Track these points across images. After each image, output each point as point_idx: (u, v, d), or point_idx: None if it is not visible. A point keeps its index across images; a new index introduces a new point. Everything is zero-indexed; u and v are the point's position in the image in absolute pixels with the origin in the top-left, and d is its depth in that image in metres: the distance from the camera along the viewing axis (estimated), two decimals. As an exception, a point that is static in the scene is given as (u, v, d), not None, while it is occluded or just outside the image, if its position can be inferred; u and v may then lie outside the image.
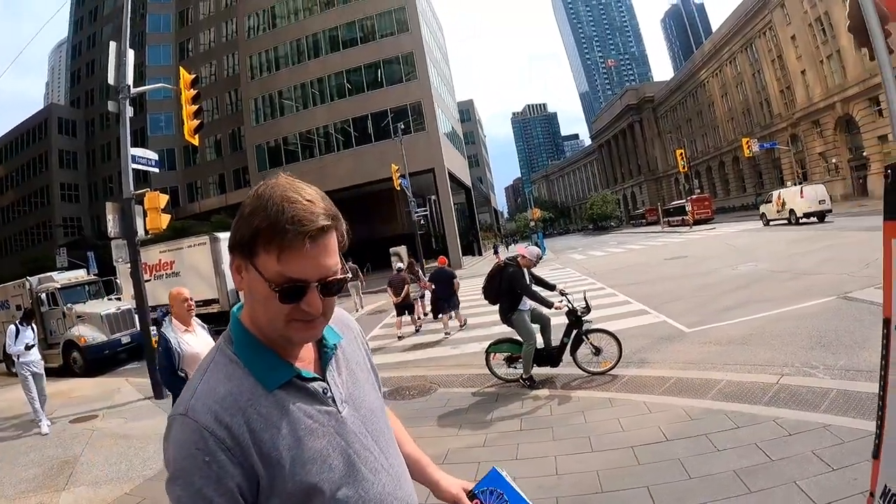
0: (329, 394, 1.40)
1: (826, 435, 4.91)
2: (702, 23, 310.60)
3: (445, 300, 14.76)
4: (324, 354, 1.45)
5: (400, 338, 15.18)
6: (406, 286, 15.59)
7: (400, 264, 19.45)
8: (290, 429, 1.29)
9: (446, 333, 14.56)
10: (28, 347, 10.23)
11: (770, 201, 39.30)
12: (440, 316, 15.15)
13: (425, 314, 17.17)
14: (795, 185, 42.25)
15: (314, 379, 1.39)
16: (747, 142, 46.71)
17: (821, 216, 33.84)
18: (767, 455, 4.72)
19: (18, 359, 10.19)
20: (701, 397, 6.56)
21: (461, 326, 14.94)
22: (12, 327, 10.48)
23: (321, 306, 1.30)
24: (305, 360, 1.42)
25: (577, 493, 4.71)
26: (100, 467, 7.48)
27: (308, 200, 1.25)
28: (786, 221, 36.14)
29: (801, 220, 34.29)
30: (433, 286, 15.12)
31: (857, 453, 4.34)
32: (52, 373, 15.86)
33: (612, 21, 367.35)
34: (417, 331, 15.78)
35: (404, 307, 15.77)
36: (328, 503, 1.30)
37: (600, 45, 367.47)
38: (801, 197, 34.65)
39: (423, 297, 17.01)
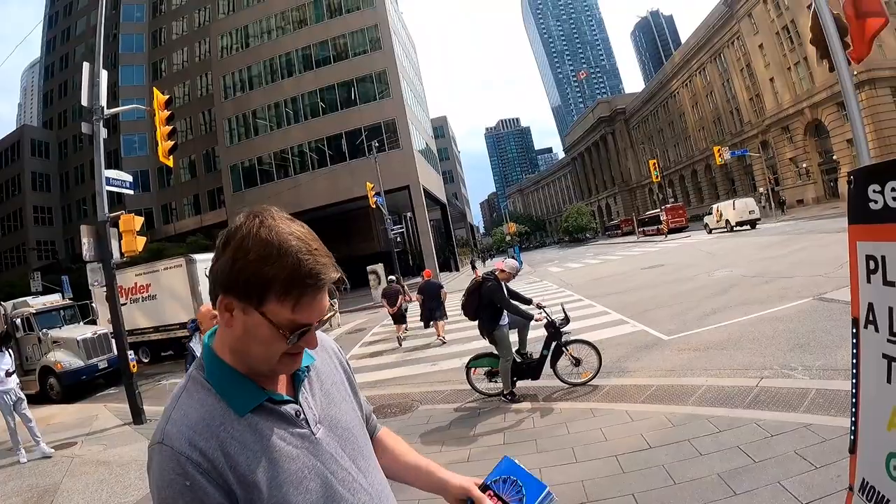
0: (302, 416, 1.40)
1: (807, 434, 4.97)
2: (671, 34, 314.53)
3: (435, 309, 15.50)
4: (296, 377, 1.46)
5: (400, 343, 16.17)
6: (400, 297, 16.68)
7: (392, 276, 20.29)
8: (264, 452, 1.30)
9: (442, 341, 14.99)
10: (8, 374, 9.69)
11: (711, 213, 45.83)
12: (431, 323, 15.78)
13: (406, 330, 17.41)
14: (763, 195, 44.82)
15: (286, 401, 1.40)
16: (718, 150, 47.16)
17: (752, 224, 40.20)
18: (750, 457, 4.76)
19: None
20: (682, 403, 6.60)
21: (442, 342, 15.02)
22: None
23: (317, 342, 1.37)
24: (278, 383, 1.43)
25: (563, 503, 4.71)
26: (80, 495, 7.37)
27: (315, 249, 1.27)
28: (724, 230, 42.11)
29: (734, 228, 40.65)
30: (421, 297, 15.83)
31: (838, 450, 4.38)
32: (29, 400, 15.47)
33: (583, 35, 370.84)
34: (400, 342, 16.23)
35: (400, 317, 16.73)
36: None
37: (571, 59, 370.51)
38: (733, 209, 41.52)
39: (406, 310, 17.53)
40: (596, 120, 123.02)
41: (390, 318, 17.40)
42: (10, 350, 10.33)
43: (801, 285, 12.85)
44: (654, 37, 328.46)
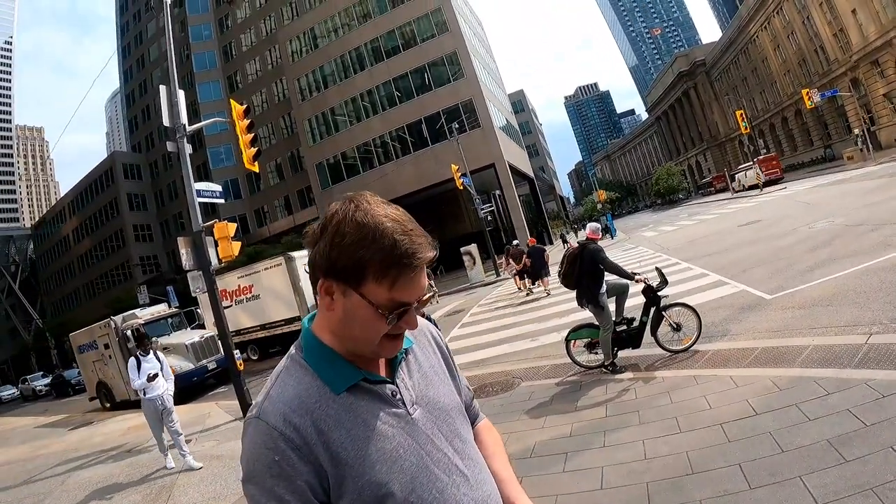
0: (398, 396, 1.43)
1: (922, 394, 4.69)
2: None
3: (540, 268, 20.18)
4: (393, 359, 1.48)
5: (529, 293, 20.70)
6: (524, 257, 21.05)
7: (515, 241, 27.47)
8: (358, 430, 1.33)
9: (546, 292, 19.48)
10: (151, 378, 8.97)
11: (734, 180, 62.06)
12: (537, 282, 20.80)
13: (520, 289, 22.17)
14: (859, 137, 46.30)
15: (383, 381, 1.42)
16: (807, 93, 44.73)
17: (760, 186, 50.55)
18: (861, 420, 4.54)
19: (144, 394, 9.03)
20: (788, 366, 6.38)
21: (548, 293, 19.18)
22: (132, 360, 9.21)
23: (417, 322, 1.41)
24: (375, 364, 1.46)
25: (668, 476, 4.66)
26: (195, 489, 7.81)
27: (411, 230, 1.30)
28: (742, 188, 57.35)
29: (746, 189, 55.34)
30: (530, 260, 20.58)
31: (956, 410, 4.15)
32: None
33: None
34: (531, 292, 20.71)
35: (524, 272, 21.23)
36: None
37: (642, 15, 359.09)
38: (746, 177, 57.41)
39: (516, 274, 22.33)
40: (676, 75, 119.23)
41: (515, 275, 22.29)
42: (157, 353, 9.66)
43: (908, 231, 12.12)
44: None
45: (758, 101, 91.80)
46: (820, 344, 6.80)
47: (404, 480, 1.33)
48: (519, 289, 22.46)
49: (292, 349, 1.46)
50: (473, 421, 1.77)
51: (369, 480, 1.30)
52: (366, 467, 1.30)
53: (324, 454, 1.28)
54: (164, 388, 9.22)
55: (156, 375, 9.05)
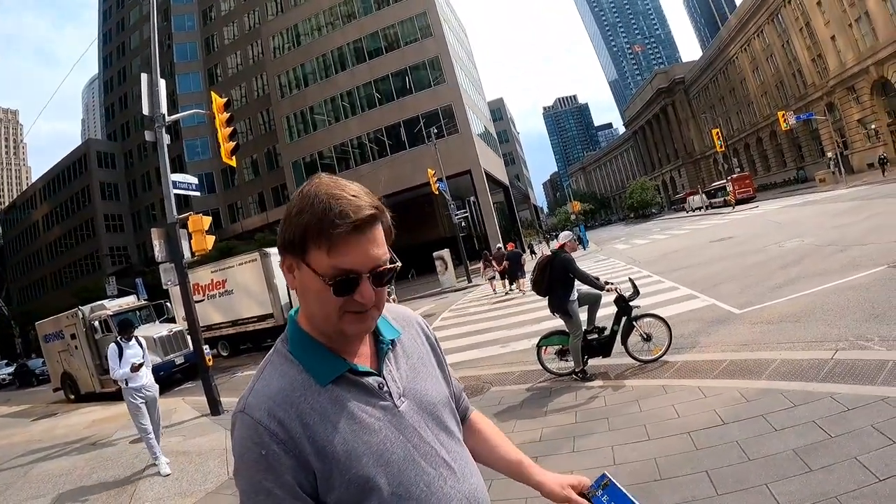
0: (385, 388, 1.40)
1: (884, 408, 4.80)
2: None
3: (517, 271, 22.99)
4: (380, 350, 1.46)
5: (507, 293, 23.39)
6: (504, 260, 23.73)
7: (499, 245, 30.38)
8: (344, 423, 1.31)
9: (521, 292, 22.05)
10: (135, 368, 8.30)
11: (686, 202, 73.71)
12: (513, 283, 23.50)
13: (495, 291, 24.65)
14: (832, 160, 45.45)
15: (369, 374, 1.40)
16: (783, 115, 45.24)
17: (704, 208, 64.25)
18: (826, 432, 4.63)
19: (126, 384, 8.35)
20: (756, 378, 6.47)
21: (524, 293, 21.25)
22: (112, 347, 8.61)
23: (374, 297, 1.33)
24: (362, 355, 1.44)
25: (636, 481, 4.68)
26: (161, 484, 7.70)
27: (353, 195, 1.29)
28: (693, 211, 67.24)
29: (694, 210, 66.76)
30: (508, 262, 23.34)
31: (918, 424, 4.24)
32: (110, 397, 16.31)
33: (634, 5, 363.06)
34: (511, 291, 23.45)
35: (503, 273, 24.03)
36: (388, 498, 1.30)
37: (625, 31, 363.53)
38: (693, 201, 69.44)
39: (493, 278, 25.01)
40: (654, 92, 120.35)
41: (497, 276, 24.66)
42: (139, 340, 8.94)
43: (876, 253, 12.36)
44: (707, 1, 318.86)
45: (734, 121, 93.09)
46: (787, 358, 6.91)
47: (391, 474, 1.32)
48: (495, 290, 24.58)
49: (278, 342, 1.45)
50: (465, 413, 1.77)
51: (356, 474, 1.28)
52: (352, 461, 1.29)
53: (310, 448, 1.27)
54: (148, 376, 8.68)
55: (140, 365, 8.43)
